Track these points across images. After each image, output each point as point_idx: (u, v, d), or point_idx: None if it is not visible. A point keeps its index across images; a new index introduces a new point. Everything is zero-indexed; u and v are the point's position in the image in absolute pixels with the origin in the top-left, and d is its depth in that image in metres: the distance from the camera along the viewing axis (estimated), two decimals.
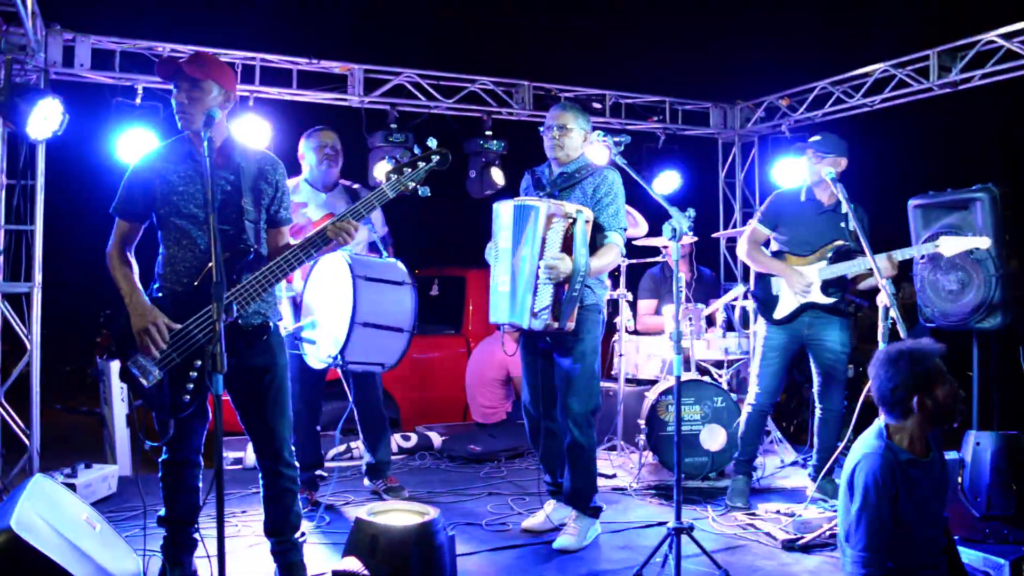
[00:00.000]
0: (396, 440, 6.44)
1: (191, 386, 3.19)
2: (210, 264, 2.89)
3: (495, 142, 7.18)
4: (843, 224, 4.94)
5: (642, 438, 5.76)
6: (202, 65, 3.33)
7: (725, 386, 6.00)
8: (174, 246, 3.37)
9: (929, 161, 10.08)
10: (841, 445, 4.81)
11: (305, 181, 5.07)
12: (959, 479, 4.33)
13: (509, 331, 4.48)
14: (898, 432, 3.07)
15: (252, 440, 3.55)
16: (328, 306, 4.27)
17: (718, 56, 10.11)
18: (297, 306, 4.66)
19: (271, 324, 3.47)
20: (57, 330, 5.78)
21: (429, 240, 12.63)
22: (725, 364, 6.45)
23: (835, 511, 4.36)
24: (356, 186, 5.19)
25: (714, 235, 7.47)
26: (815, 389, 5.11)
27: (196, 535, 3.58)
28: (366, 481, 5.22)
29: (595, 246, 4.26)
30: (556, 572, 4.02)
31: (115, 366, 5.55)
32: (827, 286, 4.89)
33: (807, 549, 4.22)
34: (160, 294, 3.35)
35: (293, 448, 3.58)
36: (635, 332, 6.66)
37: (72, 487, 4.66)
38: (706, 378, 5.91)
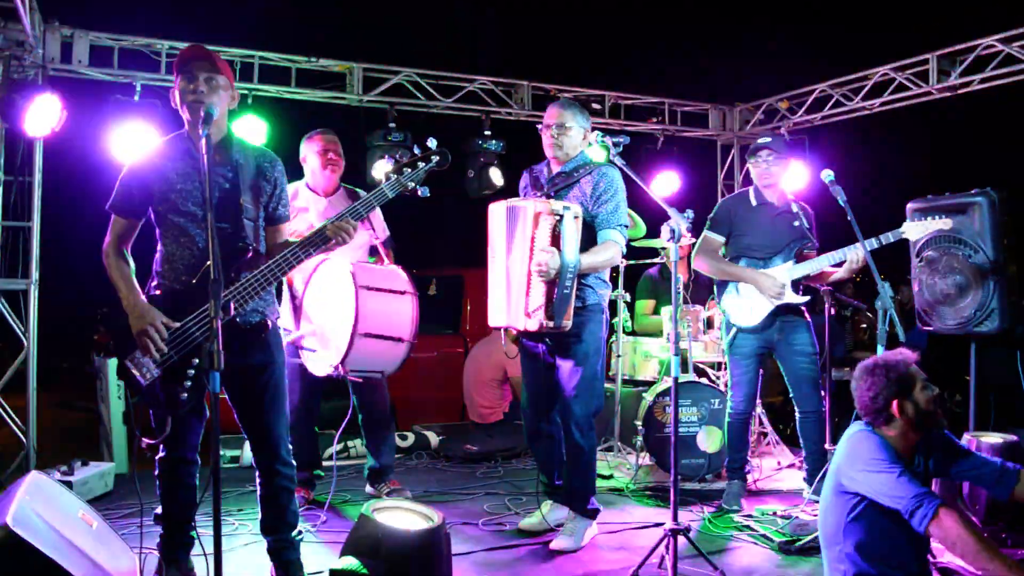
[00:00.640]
0: (395, 441, 6.43)
1: (188, 383, 3.19)
2: (208, 262, 2.89)
3: (494, 142, 7.18)
4: (796, 224, 4.95)
5: (639, 439, 5.76)
6: (214, 58, 3.34)
7: (722, 388, 6.00)
8: (172, 244, 3.35)
9: (927, 165, 10.11)
10: (832, 447, 4.82)
11: (306, 186, 5.05)
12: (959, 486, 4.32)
13: (509, 333, 4.45)
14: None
15: (249, 438, 3.55)
16: (329, 314, 4.26)
17: (718, 58, 10.13)
18: (297, 310, 4.64)
19: (269, 323, 3.47)
20: (54, 327, 5.76)
21: (427, 240, 12.63)
22: (722, 366, 6.45)
23: None
24: (357, 190, 5.17)
25: None
26: (791, 394, 5.07)
27: (193, 533, 3.58)
28: (368, 488, 5.19)
29: (594, 244, 4.24)
30: (553, 572, 4.01)
31: (112, 364, 5.55)
32: (795, 286, 4.89)
33: (803, 551, 4.22)
34: (158, 291, 3.34)
35: (290, 447, 3.57)
36: (633, 333, 6.66)
37: (69, 484, 4.64)
38: (703, 380, 5.91)
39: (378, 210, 5.05)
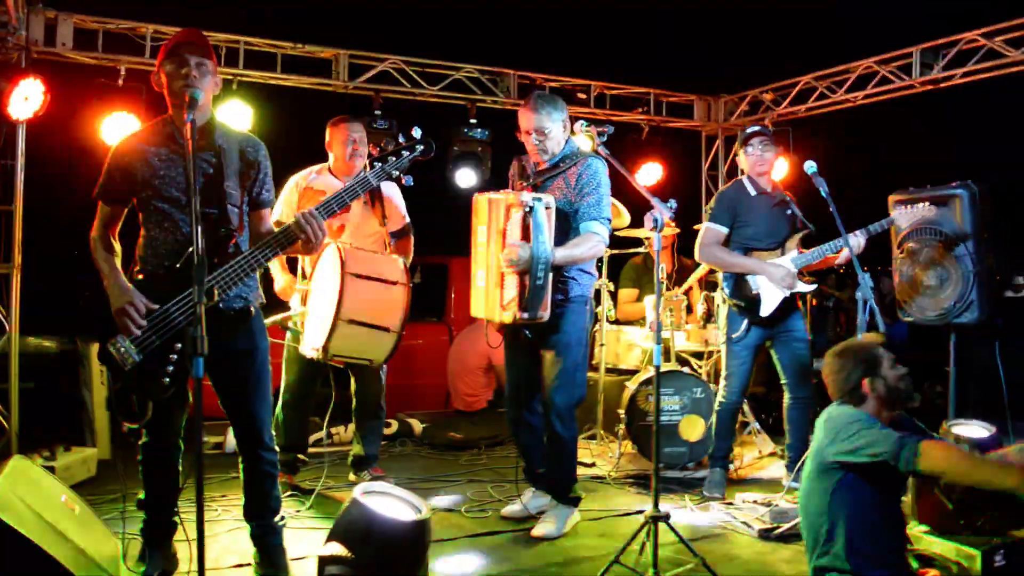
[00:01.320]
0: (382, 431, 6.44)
1: (171, 368, 3.17)
2: (191, 248, 2.88)
3: (479, 130, 7.18)
4: (789, 212, 5.01)
5: (621, 428, 5.79)
6: (207, 43, 3.33)
7: (705, 377, 6.04)
8: (155, 228, 3.33)
9: (910, 157, 10.18)
10: None
11: (328, 170, 5.05)
12: None
13: (493, 323, 4.45)
14: None
15: (233, 423, 3.55)
16: (322, 298, 4.26)
17: (703, 49, 10.14)
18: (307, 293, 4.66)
19: (253, 309, 3.46)
20: (36, 312, 5.73)
21: (412, 227, 12.59)
22: (705, 355, 6.50)
23: None
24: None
25: (696, 227, 7.49)
26: (785, 381, 5.12)
27: (175, 518, 3.58)
28: (351, 475, 5.21)
29: (576, 236, 4.25)
30: (534, 559, 4.04)
31: (94, 348, 5.53)
32: (800, 274, 4.94)
33: (783, 538, 4.27)
34: (140, 276, 3.32)
35: (273, 432, 3.58)
36: (616, 322, 6.69)
37: (51, 470, 4.63)
38: (686, 369, 5.95)
39: (396, 198, 5.09)
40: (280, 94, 6.81)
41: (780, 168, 6.46)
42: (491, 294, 4.18)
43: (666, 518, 3.74)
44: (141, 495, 3.56)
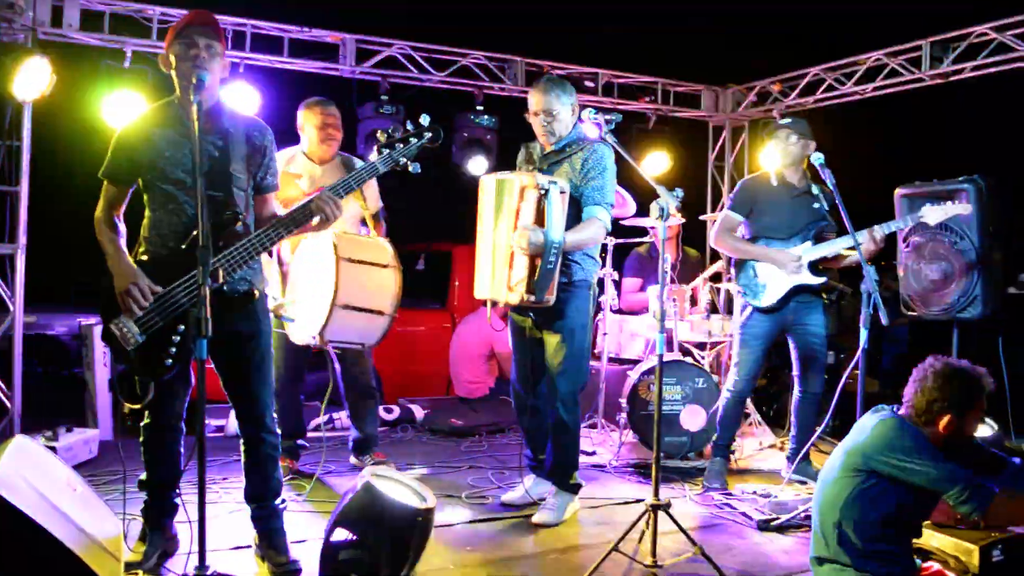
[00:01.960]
0: (379, 412, 6.45)
1: (174, 350, 3.18)
2: (196, 230, 2.88)
3: (486, 117, 7.16)
4: (816, 205, 4.98)
5: (623, 416, 5.80)
6: (218, 25, 3.32)
7: (707, 367, 6.04)
8: (160, 210, 3.33)
9: (917, 150, 10.13)
10: (819, 429, 4.87)
11: (303, 153, 5.03)
12: None
13: (496, 306, 4.46)
14: None
15: (235, 406, 3.56)
16: (311, 283, 4.26)
17: (712, 39, 10.09)
18: (285, 277, 4.64)
19: (257, 292, 3.46)
20: (40, 292, 5.74)
21: (416, 214, 12.56)
22: (708, 346, 6.50)
23: (811, 493, 4.42)
24: (353, 158, 5.13)
25: (701, 217, 7.49)
26: (795, 372, 5.14)
27: (177, 500, 3.60)
28: (353, 459, 5.23)
29: (579, 220, 4.24)
30: (534, 546, 4.06)
31: (97, 329, 5.54)
32: (812, 267, 4.92)
33: (782, 530, 4.28)
34: (145, 257, 3.32)
35: (275, 415, 3.59)
36: (619, 311, 6.69)
37: (53, 450, 4.65)
38: (688, 359, 5.95)
39: (373, 182, 5.04)
40: (287, 78, 6.78)
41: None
42: (499, 274, 4.17)
43: (666, 507, 3.75)
44: (143, 476, 3.57)
